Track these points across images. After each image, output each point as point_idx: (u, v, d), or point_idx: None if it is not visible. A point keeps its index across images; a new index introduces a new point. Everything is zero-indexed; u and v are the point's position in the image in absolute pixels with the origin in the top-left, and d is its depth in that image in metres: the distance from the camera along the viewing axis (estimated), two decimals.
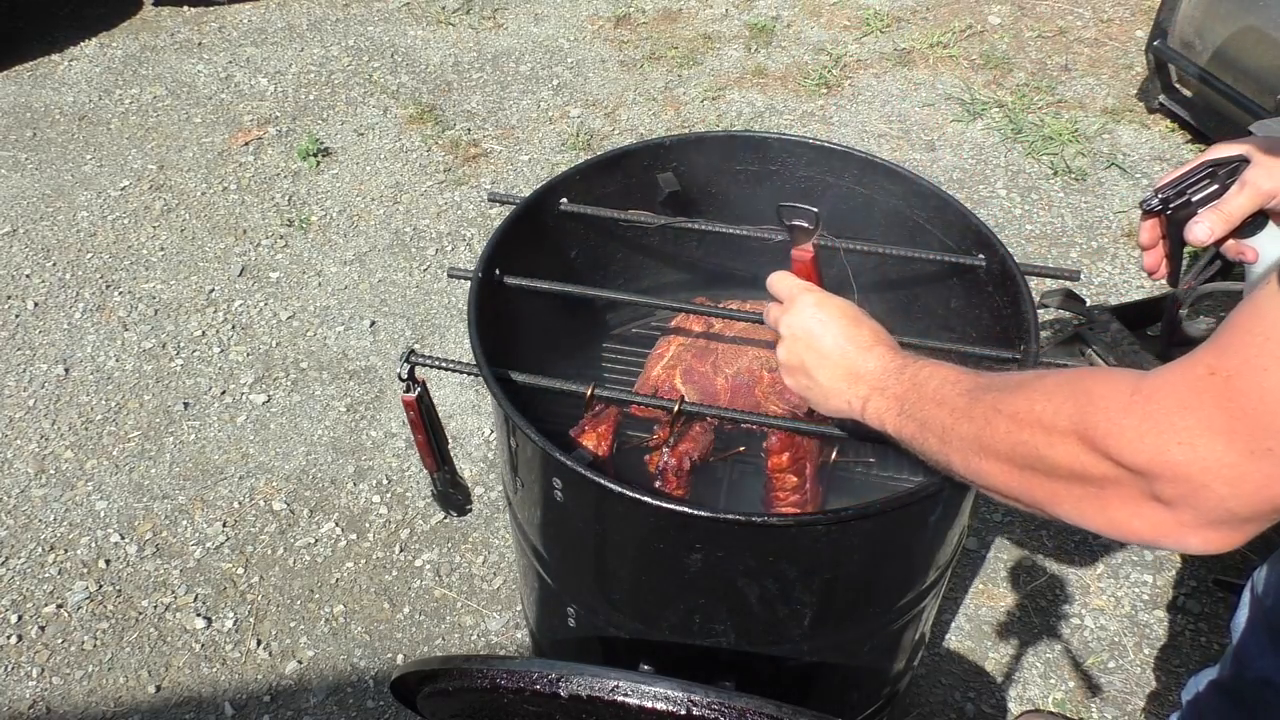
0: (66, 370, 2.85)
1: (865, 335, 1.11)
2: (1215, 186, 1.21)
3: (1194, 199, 1.22)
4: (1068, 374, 0.89)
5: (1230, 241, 1.25)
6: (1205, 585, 2.27)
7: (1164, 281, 1.33)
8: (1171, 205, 1.24)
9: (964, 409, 0.95)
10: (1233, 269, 2.45)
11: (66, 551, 2.39)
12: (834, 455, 1.48)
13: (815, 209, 1.33)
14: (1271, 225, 1.25)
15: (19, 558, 2.38)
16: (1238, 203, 1.20)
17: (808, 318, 1.14)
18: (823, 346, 1.12)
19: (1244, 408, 0.73)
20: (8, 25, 4.20)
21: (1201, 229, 1.21)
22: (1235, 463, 0.74)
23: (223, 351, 2.90)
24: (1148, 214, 1.27)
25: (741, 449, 1.56)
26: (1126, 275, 3.08)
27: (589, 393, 1.33)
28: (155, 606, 2.28)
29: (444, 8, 4.48)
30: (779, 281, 1.22)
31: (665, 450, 1.41)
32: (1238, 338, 0.75)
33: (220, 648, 2.20)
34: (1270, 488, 0.74)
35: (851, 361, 1.10)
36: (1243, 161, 1.20)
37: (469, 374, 1.36)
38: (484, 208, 3.38)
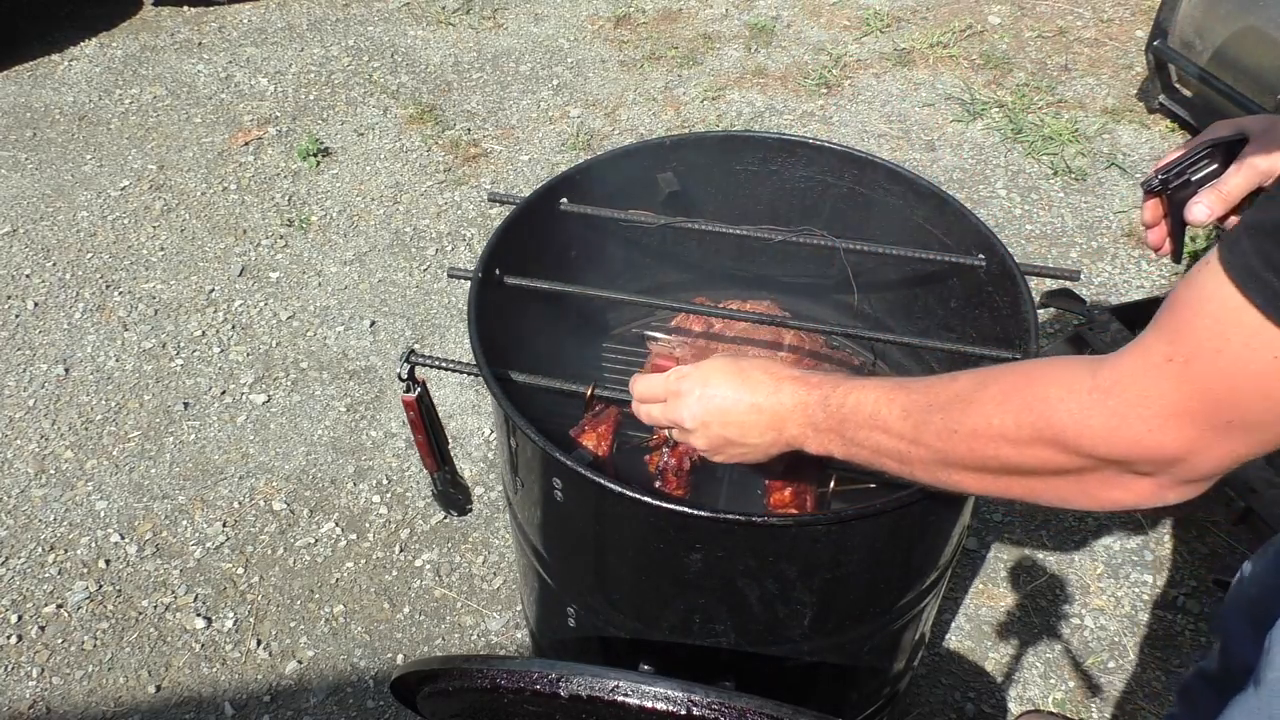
0: (66, 370, 2.85)
1: (764, 381, 1.10)
2: (1214, 166, 1.22)
3: (1193, 179, 1.23)
4: (1013, 378, 0.90)
5: (1230, 220, 1.25)
6: (1205, 585, 2.27)
7: (1168, 259, 1.34)
8: (1171, 185, 1.24)
9: (911, 434, 0.96)
10: None
11: (66, 551, 2.39)
12: (833, 484, 1.49)
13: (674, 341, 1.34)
14: None
15: (19, 558, 2.38)
16: (1235, 182, 1.20)
17: (697, 399, 1.13)
18: (731, 415, 1.11)
19: (1204, 390, 0.77)
20: (8, 25, 4.20)
21: (1200, 209, 1.21)
22: (1200, 436, 0.79)
23: (223, 351, 2.90)
24: (1149, 193, 1.28)
25: None
26: (1126, 275, 3.08)
27: (589, 393, 1.33)
28: (155, 606, 2.28)
29: (444, 8, 4.48)
30: (647, 386, 1.20)
31: (665, 450, 1.41)
32: (1188, 321, 0.78)
33: (220, 648, 2.20)
34: (1235, 451, 0.80)
35: (767, 411, 1.09)
36: (1241, 141, 1.20)
37: (469, 374, 1.36)
38: (484, 208, 3.38)
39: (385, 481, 2.54)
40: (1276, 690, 1.15)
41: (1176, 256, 1.33)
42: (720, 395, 1.11)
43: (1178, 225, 1.29)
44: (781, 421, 1.08)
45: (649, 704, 0.85)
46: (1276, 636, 1.16)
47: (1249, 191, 1.22)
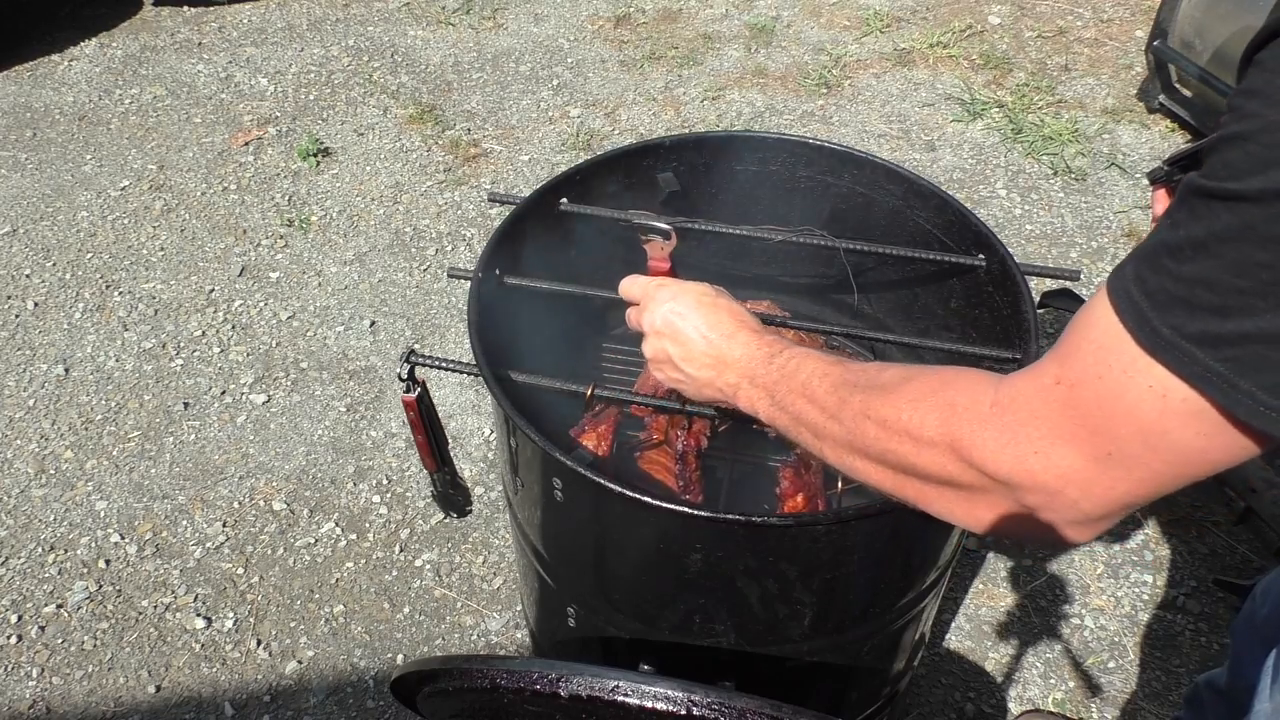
0: (66, 370, 2.85)
1: (726, 322, 1.11)
2: None
3: None
4: (933, 380, 0.90)
5: None
6: (1205, 585, 2.27)
7: None
8: (1176, 177, 1.23)
9: (833, 409, 0.96)
10: None
11: (66, 551, 2.39)
12: (841, 485, 1.49)
13: (668, 226, 1.37)
14: None
15: (19, 558, 2.38)
16: None
17: (665, 311, 1.14)
18: (685, 338, 1.12)
19: (1085, 415, 0.76)
20: (8, 25, 4.20)
21: None
22: (1083, 468, 0.77)
23: (223, 351, 2.90)
24: (1155, 183, 1.27)
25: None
26: None
27: (589, 393, 1.33)
28: (155, 606, 2.28)
29: (444, 8, 4.48)
30: (630, 285, 1.23)
31: (681, 434, 1.41)
32: (1077, 346, 0.77)
33: (220, 648, 2.20)
34: (1116, 489, 0.78)
35: (716, 349, 1.10)
36: None
37: (469, 374, 1.36)
38: (484, 208, 3.38)
39: (385, 481, 2.54)
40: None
41: None
42: (683, 316, 1.13)
43: None
44: (724, 365, 1.09)
45: (649, 704, 0.85)
46: (1270, 666, 1.15)
47: None
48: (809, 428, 0.99)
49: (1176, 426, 0.72)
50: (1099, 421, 0.75)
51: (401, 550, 2.38)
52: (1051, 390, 0.78)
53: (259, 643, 2.21)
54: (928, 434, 0.86)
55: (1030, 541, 0.89)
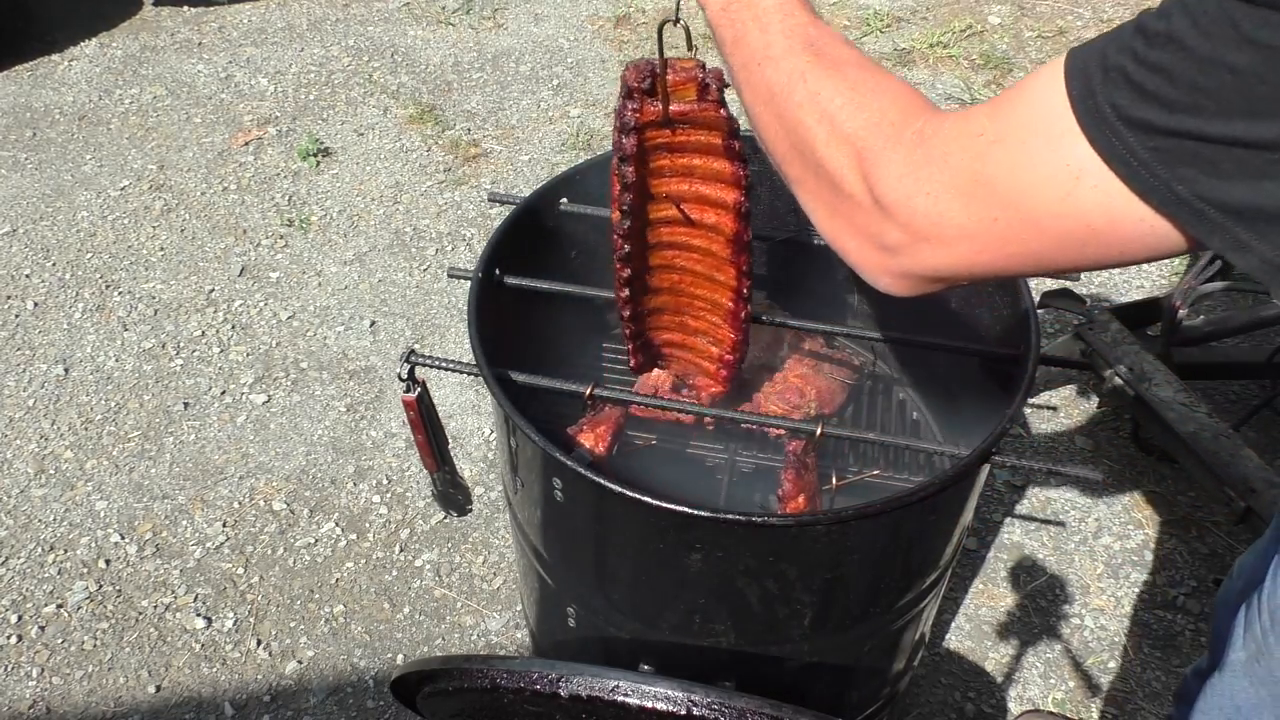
0: (66, 370, 2.85)
1: None
2: None
3: None
4: (881, 81, 0.87)
5: None
6: (1205, 585, 2.27)
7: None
8: None
9: (779, 53, 0.92)
10: (1233, 269, 2.45)
11: (66, 551, 2.39)
12: (834, 481, 1.49)
13: None
14: None
15: (19, 558, 2.38)
16: None
17: None
18: None
19: (992, 176, 0.75)
20: (8, 25, 4.20)
21: None
22: (963, 225, 0.76)
23: (223, 351, 2.90)
24: None
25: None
26: (1126, 275, 3.08)
27: (589, 393, 1.34)
28: (155, 606, 2.28)
29: (444, 8, 4.48)
30: None
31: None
32: (1014, 104, 0.76)
33: (220, 648, 2.20)
34: (980, 256, 0.77)
35: None
36: None
37: (469, 374, 1.36)
38: (484, 208, 3.38)
39: (385, 481, 2.54)
40: (1237, 670, 1.15)
41: None
42: None
43: None
44: None
45: (649, 704, 0.85)
46: (1242, 618, 1.16)
47: None
48: (743, 55, 0.95)
49: (1073, 212, 0.71)
50: (1003, 187, 0.74)
51: (401, 550, 2.38)
52: (973, 140, 0.77)
53: (259, 643, 2.21)
54: (845, 129, 0.84)
55: (856, 265, 0.88)
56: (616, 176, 1.23)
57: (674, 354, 1.51)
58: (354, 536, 2.41)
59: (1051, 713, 2.03)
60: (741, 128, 1.18)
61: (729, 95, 1.12)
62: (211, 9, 4.47)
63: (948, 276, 0.82)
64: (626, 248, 1.31)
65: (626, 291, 1.37)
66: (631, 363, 1.51)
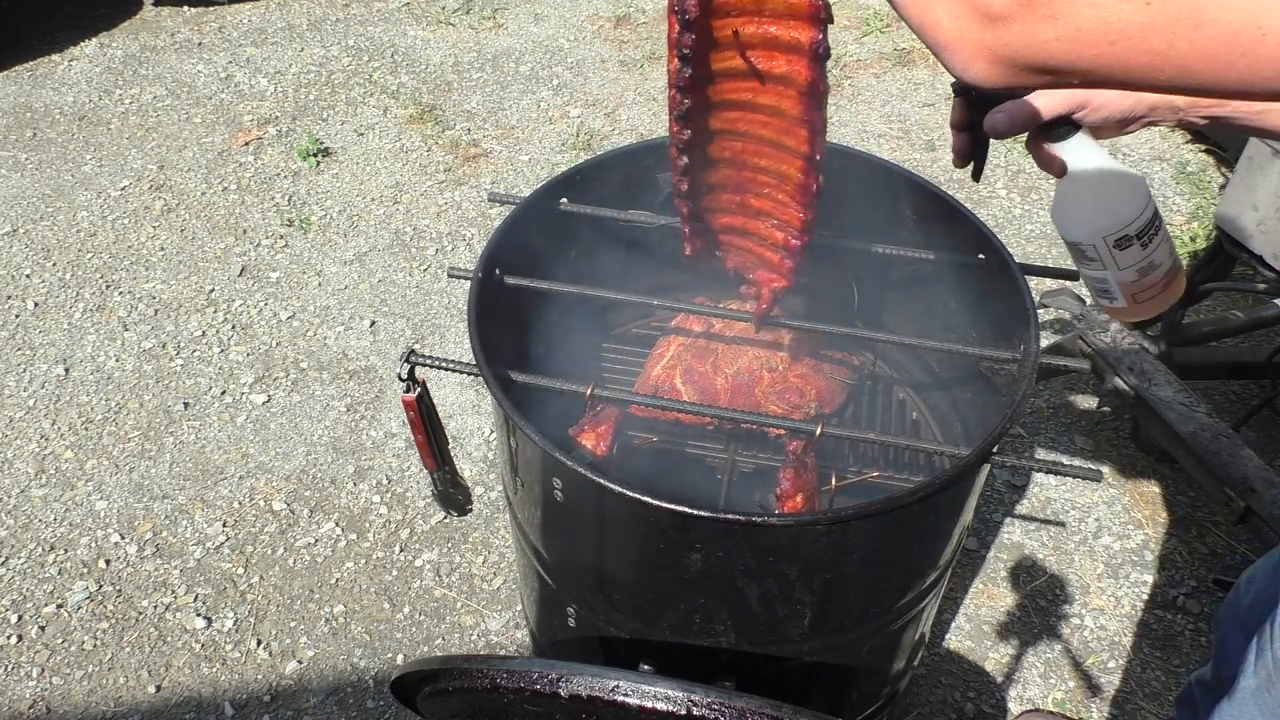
0: (66, 370, 2.85)
1: None
2: None
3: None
4: None
5: (1040, 145, 1.20)
6: (1205, 585, 2.27)
7: (968, 175, 1.28)
8: (975, 89, 1.14)
9: None
10: (1233, 268, 2.45)
11: (66, 551, 2.39)
12: (834, 481, 1.49)
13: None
14: (1082, 135, 1.20)
15: (19, 558, 2.38)
16: (1045, 100, 1.12)
17: None
18: None
19: None
20: (8, 25, 4.20)
21: (1000, 118, 1.14)
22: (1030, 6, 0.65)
23: (223, 351, 2.90)
24: (957, 94, 1.20)
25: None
26: None
27: (589, 393, 1.33)
28: (155, 606, 2.28)
29: (444, 8, 4.48)
30: None
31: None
32: None
33: (220, 648, 2.20)
34: (1113, 47, 0.65)
35: None
36: None
37: (469, 374, 1.36)
38: (484, 208, 3.38)
39: (385, 481, 2.54)
40: (1247, 698, 1.15)
41: (976, 175, 1.28)
42: None
43: (980, 140, 1.24)
44: None
45: (649, 704, 0.85)
46: (1254, 645, 1.16)
47: (1058, 113, 1.15)
48: None
49: (1248, 6, 0.60)
50: None
51: (401, 550, 2.38)
52: None
53: (259, 643, 2.21)
54: None
55: (946, 45, 0.73)
56: (674, 15, 1.05)
57: (733, 241, 1.33)
58: (354, 536, 2.41)
59: (1051, 713, 2.04)
60: None
61: None
62: (211, 9, 4.47)
63: (1056, 68, 0.67)
64: (686, 103, 1.10)
65: (685, 160, 1.17)
66: (687, 249, 1.34)
